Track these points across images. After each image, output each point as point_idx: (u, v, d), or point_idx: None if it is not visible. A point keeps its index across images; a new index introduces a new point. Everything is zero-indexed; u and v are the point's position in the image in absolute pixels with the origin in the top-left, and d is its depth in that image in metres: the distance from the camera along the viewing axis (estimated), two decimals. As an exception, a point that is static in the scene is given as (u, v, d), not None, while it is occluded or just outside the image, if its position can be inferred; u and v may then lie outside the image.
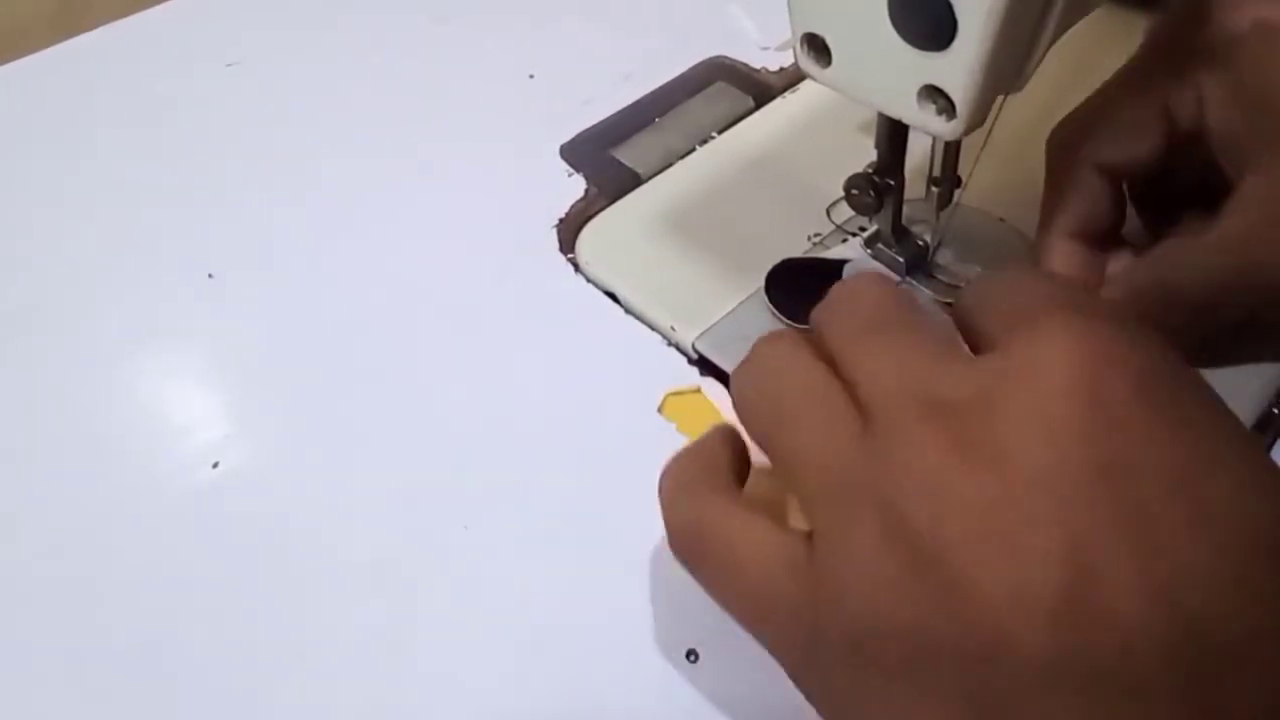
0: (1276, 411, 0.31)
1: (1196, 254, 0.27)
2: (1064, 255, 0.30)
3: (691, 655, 0.27)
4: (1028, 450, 0.18)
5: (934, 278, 0.34)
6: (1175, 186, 0.30)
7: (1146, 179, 0.29)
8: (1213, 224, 0.27)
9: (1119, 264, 0.30)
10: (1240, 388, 0.31)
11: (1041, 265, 0.30)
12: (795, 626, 0.20)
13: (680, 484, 0.24)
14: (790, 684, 0.21)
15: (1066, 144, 0.30)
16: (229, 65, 0.49)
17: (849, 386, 0.21)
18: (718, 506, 0.22)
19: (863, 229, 0.36)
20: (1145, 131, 0.28)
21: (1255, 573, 0.17)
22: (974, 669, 0.18)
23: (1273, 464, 0.19)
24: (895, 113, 0.28)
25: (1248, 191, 0.26)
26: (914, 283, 0.34)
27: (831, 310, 0.23)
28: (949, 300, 0.33)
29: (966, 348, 0.22)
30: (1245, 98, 0.26)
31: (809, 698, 0.21)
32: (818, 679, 0.20)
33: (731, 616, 0.22)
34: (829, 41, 0.27)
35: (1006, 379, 0.19)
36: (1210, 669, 0.17)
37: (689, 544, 0.23)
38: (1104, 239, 0.30)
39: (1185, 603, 0.17)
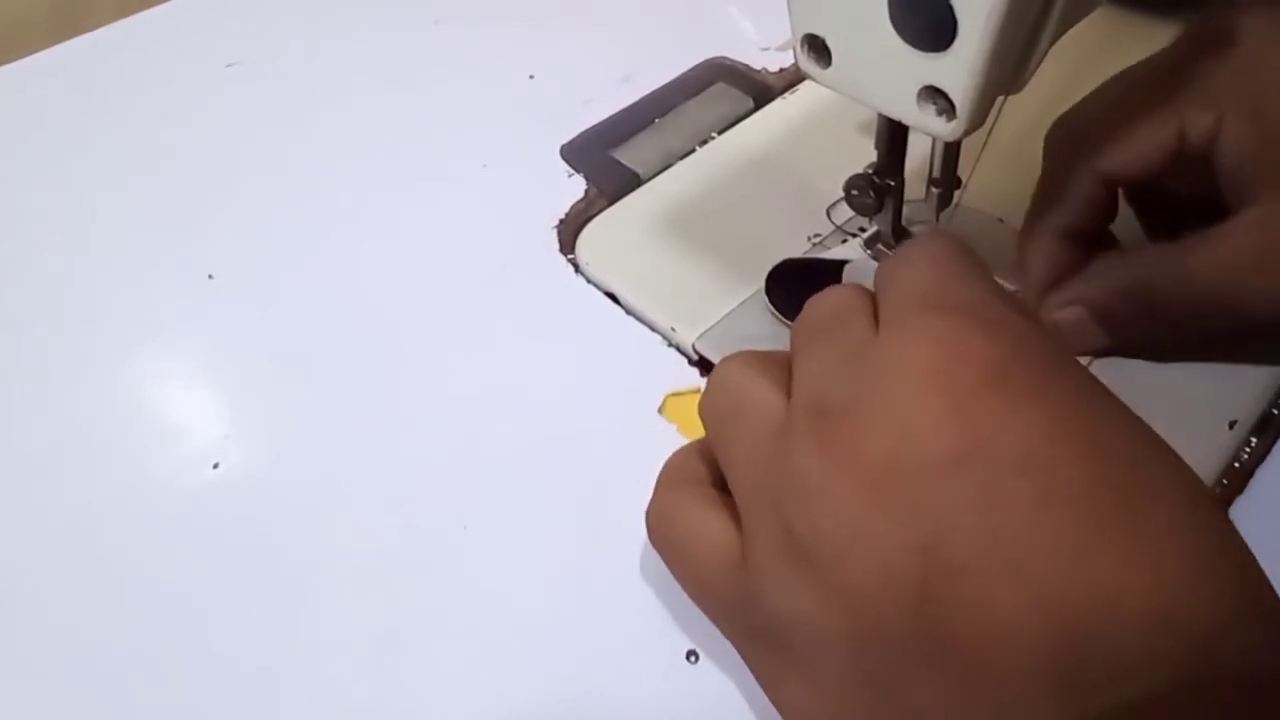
0: (1276, 412, 0.31)
1: (1181, 270, 0.28)
2: (1048, 253, 0.31)
3: (691, 655, 0.27)
4: (884, 447, 0.20)
5: (934, 278, 0.34)
6: (1172, 192, 0.30)
7: (1145, 185, 0.30)
8: (1202, 244, 0.28)
9: (1102, 261, 0.31)
10: (1241, 389, 0.31)
11: (1024, 259, 0.31)
12: (731, 614, 0.23)
13: (665, 475, 0.26)
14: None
15: (1069, 146, 0.30)
16: (229, 65, 0.49)
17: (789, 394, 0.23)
18: (686, 499, 0.25)
19: (863, 229, 0.36)
20: (1155, 146, 0.28)
21: (1101, 544, 0.18)
22: (863, 653, 0.19)
23: (1132, 427, 0.20)
24: (895, 113, 0.28)
25: (1242, 222, 0.27)
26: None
27: (800, 317, 0.25)
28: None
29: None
30: (1265, 136, 0.27)
31: (752, 671, 0.23)
32: (752, 658, 0.23)
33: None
34: (829, 42, 0.27)
35: (871, 379, 0.21)
36: (1067, 644, 0.17)
37: (657, 530, 0.25)
38: (1090, 237, 0.31)
39: (1036, 582, 0.18)
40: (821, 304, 0.25)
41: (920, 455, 0.19)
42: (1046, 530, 0.18)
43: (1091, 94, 0.31)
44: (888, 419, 0.20)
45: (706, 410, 0.25)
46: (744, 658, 0.23)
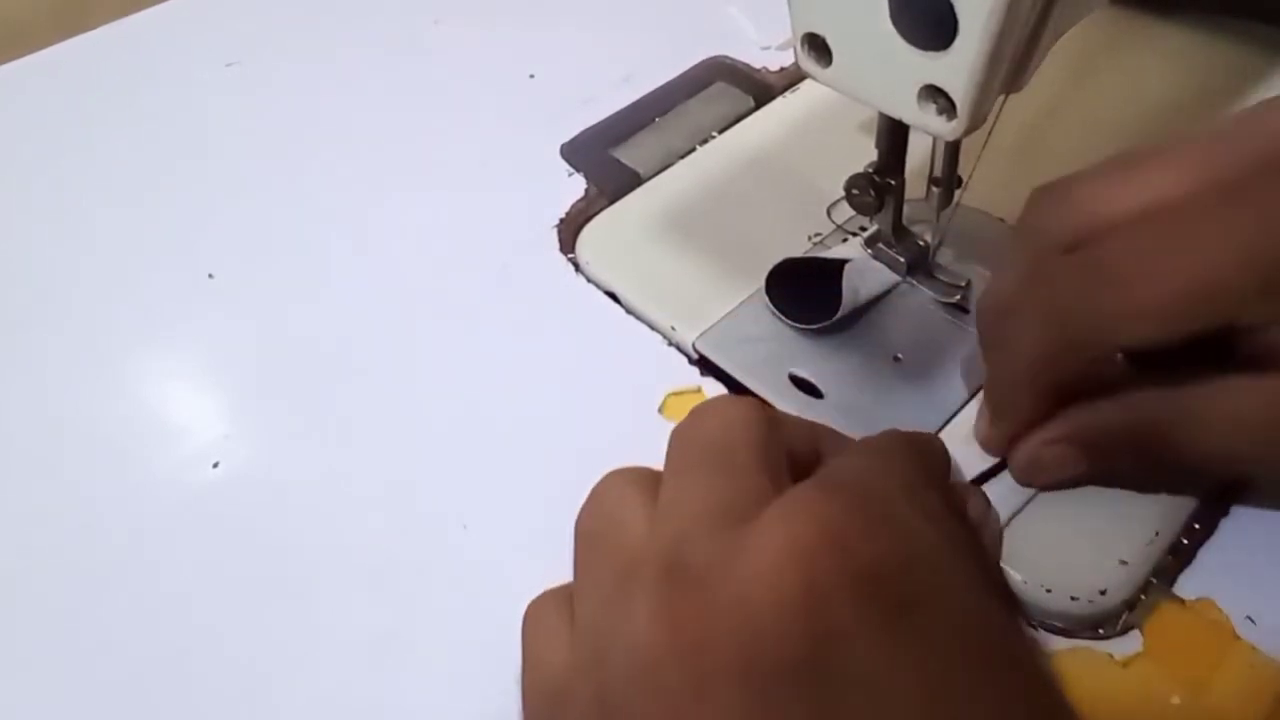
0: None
1: (1180, 423, 0.25)
2: (1031, 409, 0.27)
3: (692, 655, 0.27)
4: (723, 637, 0.17)
5: (934, 278, 0.34)
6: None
7: None
8: (1208, 399, 0.25)
9: (1094, 401, 0.26)
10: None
11: (1023, 411, 0.27)
12: None
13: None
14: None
15: (1093, 316, 0.24)
16: (229, 65, 0.49)
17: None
18: (548, 608, 0.22)
19: (863, 229, 0.36)
20: (1205, 329, 0.23)
21: None
22: None
23: (1008, 650, 0.18)
24: (895, 113, 0.28)
25: (1262, 391, 0.24)
26: (915, 283, 0.34)
27: (680, 430, 0.23)
28: (949, 301, 0.34)
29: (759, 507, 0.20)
30: None
31: None
32: None
33: None
34: (829, 41, 0.27)
35: (737, 552, 0.18)
36: None
37: (523, 623, 0.23)
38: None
39: None
40: (707, 420, 0.22)
41: (754, 659, 0.17)
42: None
43: (1091, 179, 0.25)
44: (733, 607, 0.18)
45: (576, 525, 0.23)
46: None
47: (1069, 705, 0.18)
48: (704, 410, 0.23)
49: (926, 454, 0.22)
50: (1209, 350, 0.24)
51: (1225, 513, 0.28)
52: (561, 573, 0.28)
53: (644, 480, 0.22)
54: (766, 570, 0.18)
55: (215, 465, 0.32)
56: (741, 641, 0.17)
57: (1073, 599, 0.26)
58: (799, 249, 0.36)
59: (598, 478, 0.30)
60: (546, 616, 0.22)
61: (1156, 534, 0.27)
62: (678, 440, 0.23)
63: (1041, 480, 0.28)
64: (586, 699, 0.19)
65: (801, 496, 0.19)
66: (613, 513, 0.22)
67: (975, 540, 0.24)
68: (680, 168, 0.41)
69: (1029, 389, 0.26)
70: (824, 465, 0.21)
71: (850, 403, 0.31)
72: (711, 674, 0.17)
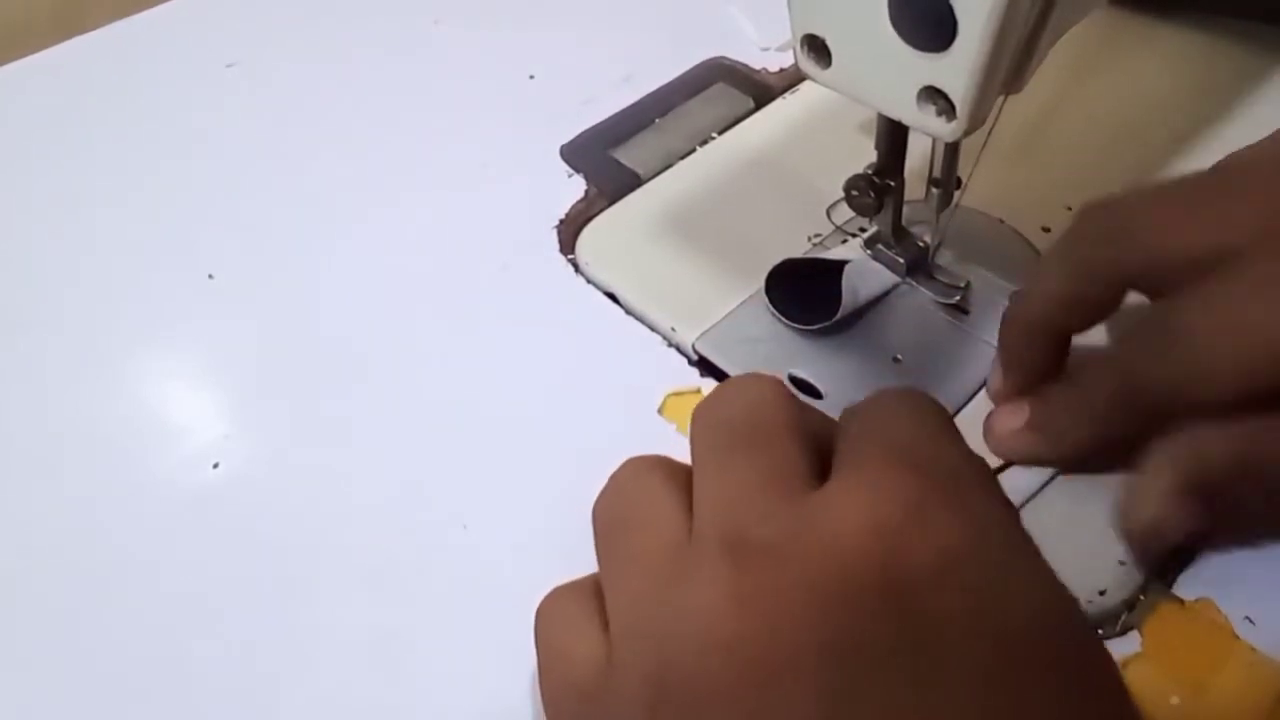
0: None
1: (1163, 354, 0.21)
2: (1041, 358, 0.25)
3: (691, 656, 0.27)
4: (803, 617, 0.17)
5: (934, 278, 0.34)
6: None
7: None
8: (1188, 307, 0.21)
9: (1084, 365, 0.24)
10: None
11: (1010, 360, 0.25)
12: None
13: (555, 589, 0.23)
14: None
15: (1170, 387, 0.21)
16: (229, 65, 0.49)
17: (688, 509, 0.20)
18: (570, 602, 0.22)
19: (863, 230, 0.36)
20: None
21: None
22: None
23: (1094, 654, 0.18)
24: (895, 114, 0.28)
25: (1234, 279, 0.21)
26: (914, 284, 0.34)
27: (702, 414, 0.22)
28: (949, 301, 0.34)
29: (821, 471, 0.20)
30: None
31: None
32: None
33: None
34: (829, 42, 0.27)
35: (805, 529, 0.18)
36: None
37: (536, 628, 0.22)
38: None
39: None
40: (735, 400, 0.21)
41: (839, 642, 0.17)
42: None
43: (1148, 209, 0.22)
44: (813, 586, 0.17)
45: (597, 514, 0.22)
46: None
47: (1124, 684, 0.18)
48: (727, 389, 0.22)
49: (947, 414, 0.21)
50: None
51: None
52: (562, 572, 0.29)
53: (665, 466, 0.22)
54: (848, 548, 0.17)
55: (215, 465, 0.32)
56: (823, 618, 0.17)
57: (1072, 599, 0.26)
58: (799, 250, 0.36)
59: (598, 478, 0.30)
60: (567, 610, 0.22)
61: (1156, 534, 0.27)
62: (704, 421, 0.22)
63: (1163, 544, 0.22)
64: (635, 684, 0.18)
65: (876, 472, 0.18)
66: (640, 498, 0.21)
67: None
68: (680, 168, 0.41)
69: (1083, 433, 0.23)
70: (863, 433, 0.20)
71: (850, 403, 0.31)
72: (793, 651, 0.17)
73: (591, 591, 0.22)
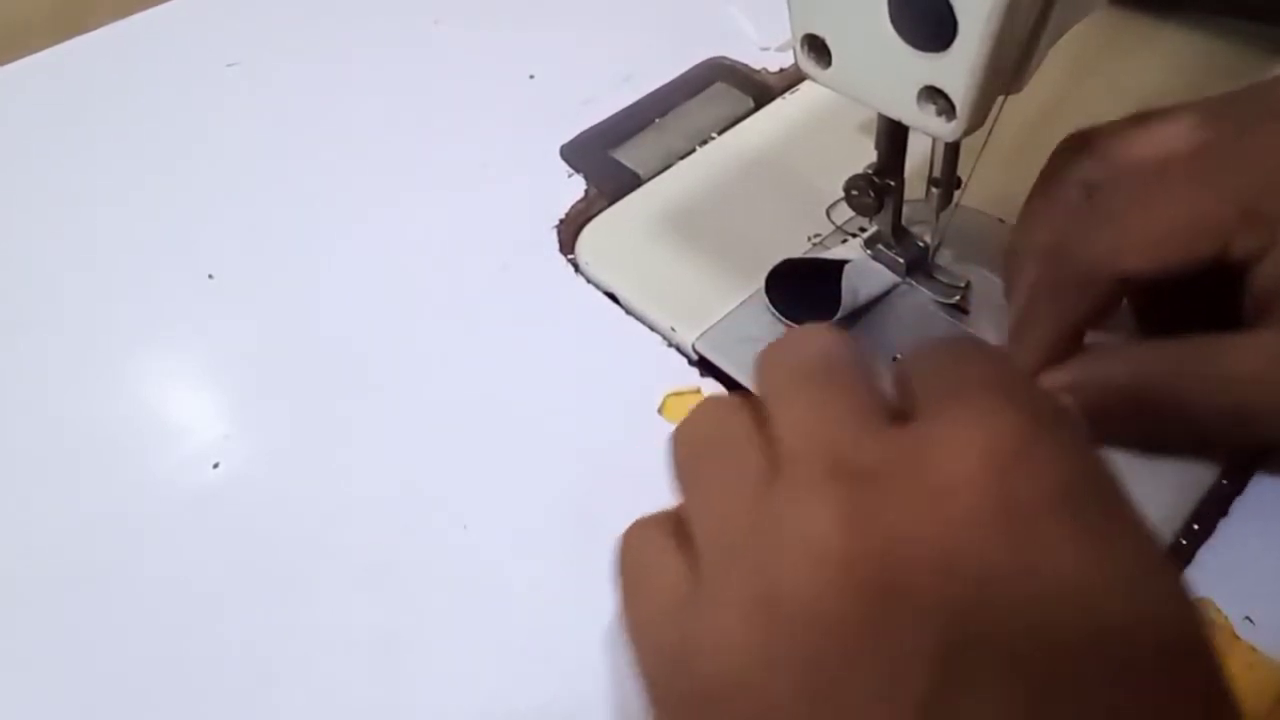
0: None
1: (1191, 378, 0.26)
2: (1052, 349, 0.28)
3: (691, 655, 0.27)
4: (918, 538, 0.17)
5: (934, 278, 0.34)
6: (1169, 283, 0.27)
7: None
8: (1212, 353, 0.26)
9: (1096, 352, 0.28)
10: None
11: (1038, 352, 0.29)
12: (661, 669, 0.20)
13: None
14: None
15: (1094, 247, 0.27)
16: (229, 65, 0.49)
17: (772, 441, 0.20)
18: (654, 532, 0.22)
19: (863, 230, 0.36)
20: (1194, 257, 0.26)
21: (1143, 698, 0.16)
22: None
23: (1177, 588, 0.18)
24: (895, 113, 0.28)
25: (1264, 343, 0.25)
26: (914, 284, 0.34)
27: (771, 357, 0.23)
28: (948, 301, 0.34)
29: (897, 412, 0.21)
30: None
31: None
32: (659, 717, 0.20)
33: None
34: (829, 42, 0.27)
35: (914, 455, 0.18)
36: None
37: (618, 560, 0.23)
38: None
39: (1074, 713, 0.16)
40: (803, 345, 0.22)
41: (956, 562, 0.17)
42: (1089, 674, 0.16)
43: (1106, 140, 0.28)
44: (927, 509, 0.17)
45: (679, 442, 0.23)
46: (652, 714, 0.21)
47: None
48: (793, 336, 0.23)
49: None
50: (1215, 313, 0.26)
51: (1224, 513, 0.28)
52: (562, 572, 0.29)
53: (744, 402, 0.22)
54: (964, 477, 0.17)
55: (215, 465, 0.32)
56: (937, 540, 0.17)
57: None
58: (799, 250, 0.36)
59: (598, 478, 0.30)
60: (649, 535, 0.22)
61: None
62: (774, 363, 0.22)
63: None
64: (735, 602, 0.18)
65: (983, 405, 0.18)
66: (725, 426, 0.21)
67: None
68: (680, 168, 0.41)
69: (1042, 325, 0.28)
70: (948, 372, 0.21)
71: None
72: (908, 569, 0.17)
73: (672, 520, 0.22)
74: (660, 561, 0.21)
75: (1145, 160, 0.27)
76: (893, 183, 0.32)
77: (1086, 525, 0.17)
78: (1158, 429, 0.28)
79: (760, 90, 0.45)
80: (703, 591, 0.19)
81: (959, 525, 0.17)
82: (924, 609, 0.17)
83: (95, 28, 0.51)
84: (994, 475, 0.17)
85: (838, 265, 0.33)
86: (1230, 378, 0.26)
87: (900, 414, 0.20)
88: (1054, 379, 0.28)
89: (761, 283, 0.34)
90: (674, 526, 0.22)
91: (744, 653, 0.18)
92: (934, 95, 0.26)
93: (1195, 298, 0.27)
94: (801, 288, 0.34)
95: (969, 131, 0.26)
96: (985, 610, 0.17)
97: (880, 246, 0.34)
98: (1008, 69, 0.25)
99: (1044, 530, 0.17)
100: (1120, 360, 0.28)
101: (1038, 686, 0.16)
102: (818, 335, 0.22)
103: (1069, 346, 0.28)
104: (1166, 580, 0.18)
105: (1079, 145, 0.29)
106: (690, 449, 0.22)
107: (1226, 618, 0.26)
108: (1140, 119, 0.28)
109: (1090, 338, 0.29)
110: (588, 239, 0.38)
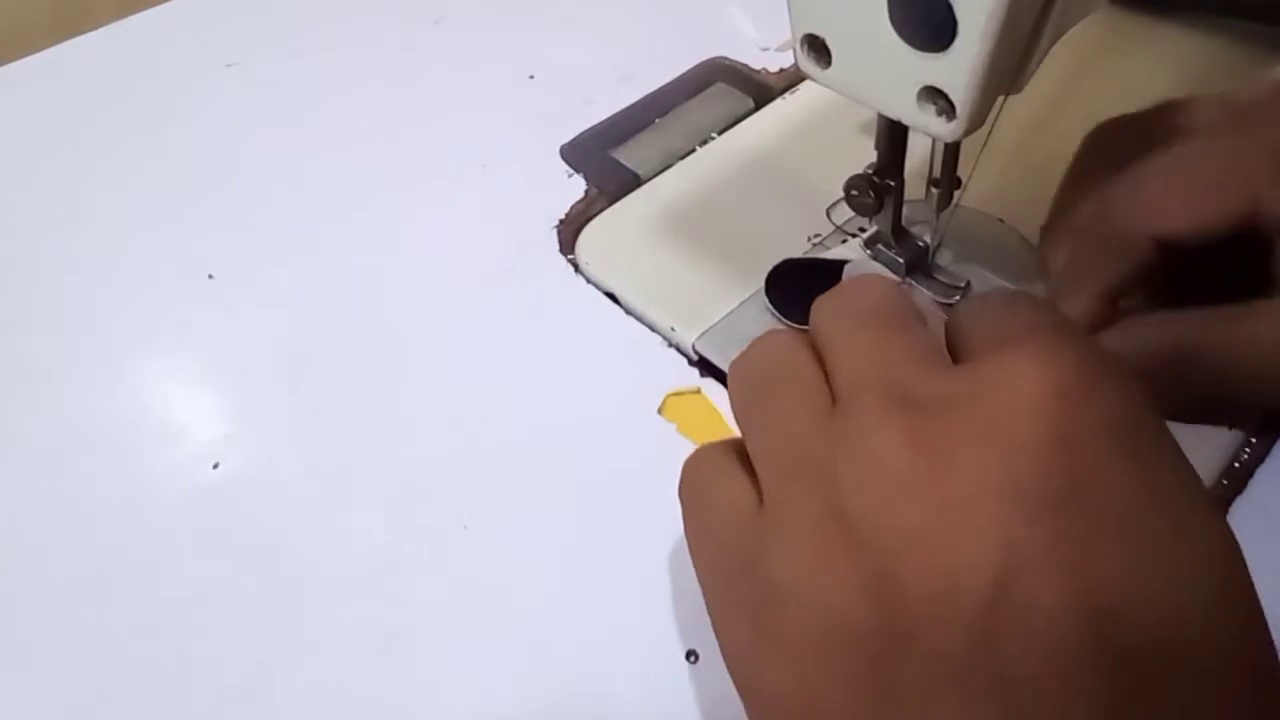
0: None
1: (1232, 338, 0.27)
2: (1088, 313, 0.29)
3: (691, 655, 0.27)
4: (981, 460, 0.18)
5: (934, 278, 0.34)
6: (1206, 251, 0.28)
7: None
8: (1258, 314, 0.26)
9: (1139, 318, 0.29)
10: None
11: (1077, 318, 0.29)
12: (726, 575, 0.21)
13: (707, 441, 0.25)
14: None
15: (1128, 211, 0.28)
16: (229, 65, 0.49)
17: (830, 375, 0.22)
18: (720, 454, 0.23)
19: (863, 230, 0.36)
20: (1227, 218, 0.27)
21: (1186, 609, 0.17)
22: (886, 657, 0.18)
23: (1221, 525, 0.19)
24: (895, 114, 0.28)
25: None
26: (914, 283, 0.34)
27: (829, 302, 0.24)
28: (948, 301, 0.34)
29: (949, 359, 0.22)
30: None
31: (720, 643, 0.21)
32: (730, 629, 0.21)
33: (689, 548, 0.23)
34: (829, 42, 0.27)
35: (977, 387, 0.19)
36: (1131, 693, 0.17)
37: (684, 476, 0.24)
38: (1131, 296, 0.29)
39: (1110, 632, 0.17)
40: (862, 292, 0.23)
41: (1017, 482, 0.18)
42: (1137, 588, 0.17)
43: (1138, 123, 0.30)
44: (991, 435, 0.18)
45: (738, 375, 0.24)
46: (717, 629, 0.22)
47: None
48: (850, 284, 0.24)
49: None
50: (1246, 283, 0.27)
51: (1224, 513, 0.28)
52: (561, 573, 0.29)
53: (803, 337, 0.23)
54: (1025, 407, 0.18)
55: (215, 465, 0.32)
56: (1001, 464, 0.18)
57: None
58: (798, 250, 0.36)
59: (597, 478, 0.30)
60: (712, 457, 0.23)
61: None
62: (831, 308, 0.23)
63: None
64: (803, 518, 0.19)
65: (1044, 343, 0.19)
66: (784, 359, 0.22)
67: None
68: (680, 169, 0.41)
69: (1080, 291, 0.29)
70: (1005, 316, 0.21)
71: None
72: (973, 490, 0.18)
73: (736, 446, 0.23)
74: (724, 480, 0.22)
75: (1176, 130, 0.29)
76: (893, 183, 0.32)
77: (1140, 459, 0.18)
78: (1194, 396, 0.28)
79: (760, 90, 0.45)
80: (770, 506, 0.20)
81: (1020, 451, 0.18)
82: (982, 529, 0.17)
83: (95, 28, 0.51)
84: (1054, 406, 0.18)
85: (838, 265, 0.33)
86: (1259, 338, 0.26)
87: (956, 359, 0.21)
88: None
89: (761, 283, 0.34)
90: (739, 452, 0.23)
91: (811, 560, 0.19)
92: (934, 95, 0.26)
93: (1228, 280, 0.28)
94: (801, 288, 0.34)
95: (969, 131, 0.26)
96: (1040, 531, 0.17)
97: (880, 246, 0.34)
98: (1008, 69, 0.25)
99: (1099, 458, 0.18)
100: (1156, 327, 0.28)
101: (1090, 607, 0.17)
102: (875, 282, 0.23)
103: (1106, 314, 0.29)
104: (1212, 520, 0.18)
105: (1110, 128, 0.30)
106: (750, 382, 0.23)
107: (1226, 618, 0.26)
108: (1169, 103, 0.30)
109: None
110: (588, 239, 0.38)
